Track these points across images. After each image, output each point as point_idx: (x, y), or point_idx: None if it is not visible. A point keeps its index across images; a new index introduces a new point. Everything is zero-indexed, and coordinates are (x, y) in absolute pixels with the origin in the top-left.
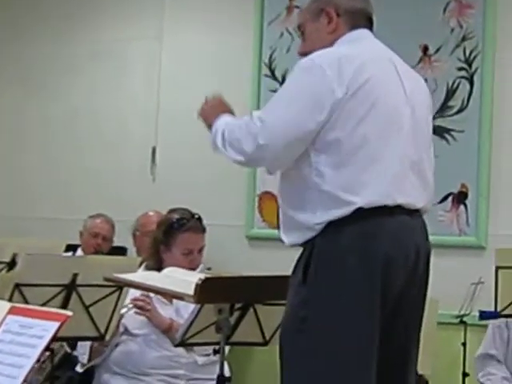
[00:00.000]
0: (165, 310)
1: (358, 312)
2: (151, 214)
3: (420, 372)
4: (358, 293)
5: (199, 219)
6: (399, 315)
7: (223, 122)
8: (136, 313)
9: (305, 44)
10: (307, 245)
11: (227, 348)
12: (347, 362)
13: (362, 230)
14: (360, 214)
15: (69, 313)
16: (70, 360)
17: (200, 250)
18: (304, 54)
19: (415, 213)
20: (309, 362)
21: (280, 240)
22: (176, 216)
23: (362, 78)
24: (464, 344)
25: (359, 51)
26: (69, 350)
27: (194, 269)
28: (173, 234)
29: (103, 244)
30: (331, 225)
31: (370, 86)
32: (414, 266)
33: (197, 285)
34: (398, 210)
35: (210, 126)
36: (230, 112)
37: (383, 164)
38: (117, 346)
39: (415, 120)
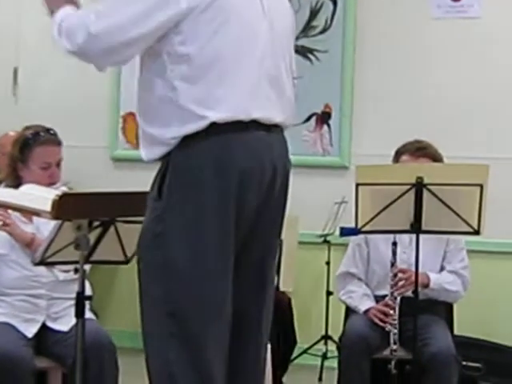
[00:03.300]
0: (25, 229)
1: (212, 225)
2: (12, 133)
3: (283, 289)
4: (212, 207)
5: (54, 134)
6: (255, 233)
7: (63, 12)
8: None
9: None
10: (163, 160)
11: (88, 267)
12: (200, 277)
13: (217, 144)
14: (215, 128)
15: None
16: None
17: (58, 164)
18: None
19: (273, 128)
20: (163, 274)
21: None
22: (30, 131)
23: None
24: (328, 263)
25: None
26: None
27: (53, 183)
28: (29, 149)
29: None
30: (186, 139)
31: (222, 0)
32: (270, 182)
33: (53, 200)
34: (254, 125)
35: (52, 13)
36: (76, 4)
37: (238, 78)
38: None
39: (273, 35)
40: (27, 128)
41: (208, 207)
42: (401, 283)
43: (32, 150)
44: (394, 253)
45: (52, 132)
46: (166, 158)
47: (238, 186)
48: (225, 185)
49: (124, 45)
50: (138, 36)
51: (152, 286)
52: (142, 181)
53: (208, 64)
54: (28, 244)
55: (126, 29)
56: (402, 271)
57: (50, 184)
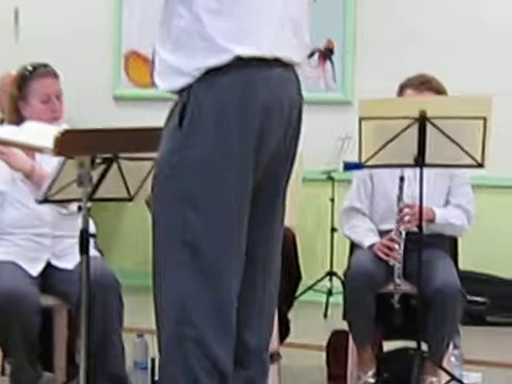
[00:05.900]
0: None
1: (233, 159)
2: (13, 72)
3: (287, 224)
4: (234, 141)
5: (51, 68)
6: (269, 171)
7: None
8: None
9: None
10: (184, 91)
11: (90, 205)
12: (217, 209)
13: (241, 80)
14: (239, 63)
15: None
16: None
17: (58, 97)
18: None
19: (289, 65)
20: (180, 203)
21: (147, 99)
22: (27, 67)
23: None
24: (332, 200)
25: None
26: None
27: (56, 119)
28: (27, 84)
29: None
30: (209, 73)
31: None
32: (287, 118)
33: (56, 137)
34: (275, 62)
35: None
36: None
37: (263, 16)
38: None
39: None
40: (24, 67)
41: (230, 141)
42: (407, 218)
43: (29, 84)
44: (401, 188)
45: (48, 67)
46: (186, 91)
47: (260, 122)
48: (248, 121)
49: None
50: None
51: (168, 214)
52: (143, 119)
53: None
54: (28, 174)
55: None
56: (409, 206)
57: (54, 119)
